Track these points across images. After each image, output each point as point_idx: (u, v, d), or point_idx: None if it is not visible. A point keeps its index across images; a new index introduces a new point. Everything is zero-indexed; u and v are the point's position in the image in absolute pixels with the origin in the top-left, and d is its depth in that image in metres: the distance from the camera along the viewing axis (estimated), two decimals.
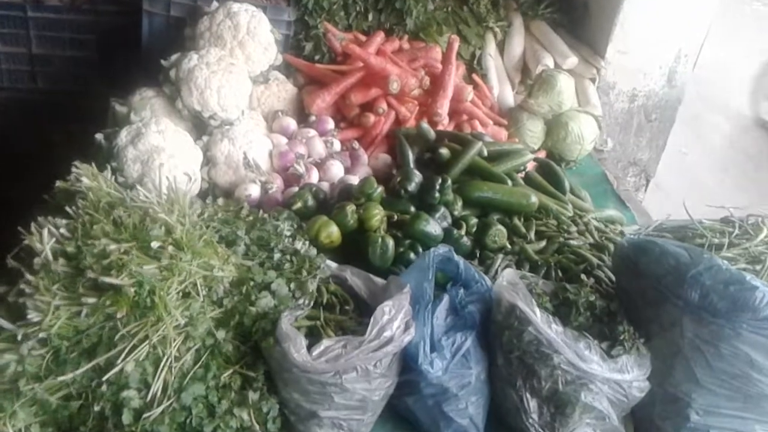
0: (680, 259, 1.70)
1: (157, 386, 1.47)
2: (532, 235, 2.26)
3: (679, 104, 3.94)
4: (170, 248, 1.55)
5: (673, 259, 1.72)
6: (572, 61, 3.64)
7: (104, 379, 1.44)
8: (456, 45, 3.21)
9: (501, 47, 3.84)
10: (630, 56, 3.69)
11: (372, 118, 2.90)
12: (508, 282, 1.80)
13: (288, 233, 1.97)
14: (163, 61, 2.57)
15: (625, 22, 3.56)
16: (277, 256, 1.84)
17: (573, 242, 2.22)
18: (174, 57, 2.59)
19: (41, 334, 1.41)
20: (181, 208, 1.67)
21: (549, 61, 3.64)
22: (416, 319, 1.70)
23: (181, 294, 1.58)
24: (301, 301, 1.69)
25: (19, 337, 1.41)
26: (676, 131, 4.25)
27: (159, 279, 1.52)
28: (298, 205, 2.21)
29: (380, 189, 2.22)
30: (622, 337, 1.69)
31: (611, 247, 2.22)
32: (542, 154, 3.19)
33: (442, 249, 1.89)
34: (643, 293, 1.80)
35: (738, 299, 1.59)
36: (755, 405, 1.66)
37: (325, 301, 1.77)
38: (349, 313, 1.76)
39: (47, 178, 1.92)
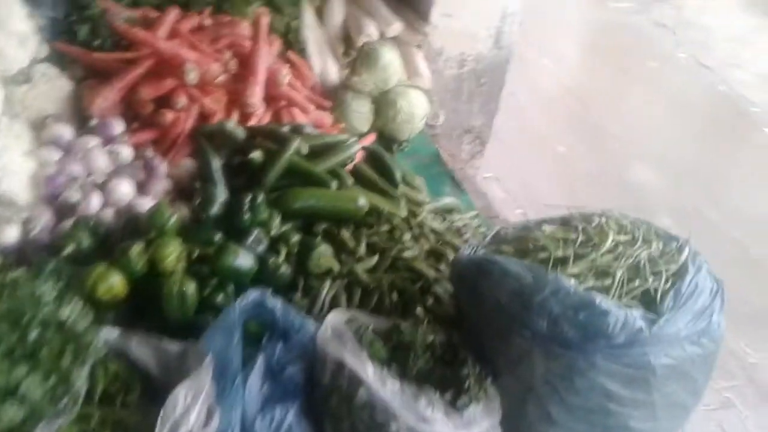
0: (523, 282, 1.49)
1: None
2: (362, 249, 1.97)
3: (508, 65, 3.81)
4: None
5: (516, 281, 1.50)
6: (397, 27, 3.35)
7: None
8: (265, 21, 2.82)
9: (320, 16, 3.47)
10: (455, 19, 3.47)
11: (170, 115, 2.44)
12: (333, 331, 1.50)
13: (51, 297, 1.53)
14: None
15: None
16: (33, 335, 1.40)
17: (408, 253, 1.96)
18: None
19: None
20: None
21: (372, 29, 3.33)
22: (222, 399, 1.36)
23: None
24: (63, 403, 1.29)
25: None
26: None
27: None
28: (70, 248, 1.76)
29: (175, 217, 1.81)
30: (467, 384, 1.45)
31: (448, 253, 1.99)
32: (372, 137, 2.90)
33: (253, 294, 1.56)
34: (487, 321, 1.58)
35: (589, 327, 1.41)
36: None
37: (101, 390, 1.37)
38: (134, 403, 1.38)
39: None
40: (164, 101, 2.50)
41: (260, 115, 2.62)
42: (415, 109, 3.00)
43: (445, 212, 2.44)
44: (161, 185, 2.18)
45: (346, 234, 2.02)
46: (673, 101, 6.22)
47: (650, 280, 1.49)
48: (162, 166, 2.26)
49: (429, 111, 3.16)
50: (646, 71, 6.82)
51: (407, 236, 2.04)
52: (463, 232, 2.19)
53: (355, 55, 3.11)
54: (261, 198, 1.92)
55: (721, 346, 1.53)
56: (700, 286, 1.49)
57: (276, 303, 1.58)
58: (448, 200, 2.53)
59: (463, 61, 3.64)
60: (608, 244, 1.56)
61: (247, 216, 1.88)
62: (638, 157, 5.36)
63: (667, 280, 1.49)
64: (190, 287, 1.68)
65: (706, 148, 5.65)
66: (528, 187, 4.91)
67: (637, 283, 1.49)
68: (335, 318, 1.54)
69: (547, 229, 1.65)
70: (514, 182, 4.90)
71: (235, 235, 1.86)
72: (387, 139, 3.00)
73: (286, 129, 2.47)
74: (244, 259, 1.78)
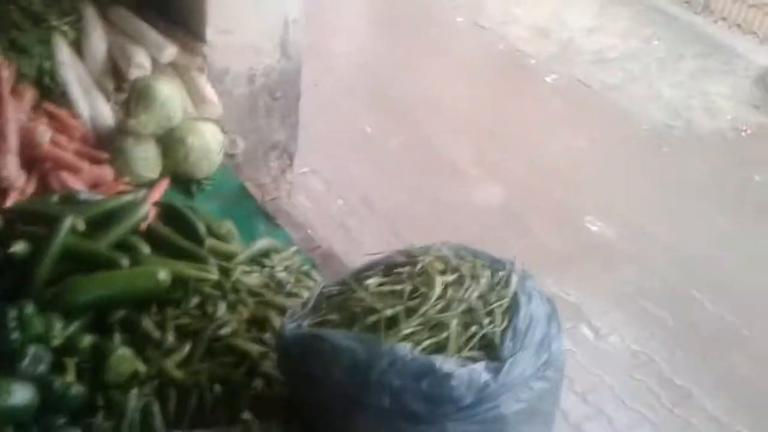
0: (357, 357, 1.33)
1: None
2: (170, 338, 1.70)
3: (299, 75, 3.63)
4: None
5: (349, 357, 1.34)
6: (171, 52, 3.01)
7: None
8: (5, 72, 2.39)
9: (79, 50, 3.04)
10: (235, 35, 3.20)
11: None
12: None
13: None
14: None
15: None
16: None
17: (225, 330, 1.72)
18: None
19: None
20: None
21: (143, 58, 2.98)
22: None
23: None
24: None
25: None
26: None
27: None
28: None
29: None
30: None
31: (272, 317, 1.79)
32: (164, 185, 2.58)
33: None
34: (324, 403, 1.40)
35: (434, 394, 1.29)
36: None
37: None
38: None
39: None
40: None
41: (21, 189, 2.22)
42: (209, 142, 2.72)
43: (263, 257, 2.22)
44: None
45: (148, 323, 1.73)
46: (460, 64, 6.41)
47: (485, 322, 1.39)
48: None
49: (225, 140, 2.89)
50: (432, 39, 6.96)
51: (222, 307, 1.79)
52: (285, 283, 1.99)
53: (129, 91, 2.75)
54: (31, 308, 1.57)
55: (564, 372, 1.48)
56: (535, 317, 1.43)
57: None
58: (262, 243, 2.30)
59: (253, 77, 3.39)
60: (437, 290, 1.43)
61: (15, 336, 1.52)
62: (439, 123, 5.44)
63: (502, 319, 1.40)
64: None
65: (497, 105, 5.86)
66: (344, 174, 4.81)
67: (473, 329, 1.38)
68: None
69: (371, 283, 1.50)
70: (330, 173, 4.78)
71: (3, 362, 1.50)
72: (183, 181, 2.69)
73: (54, 202, 2.10)
74: (19, 394, 1.44)
